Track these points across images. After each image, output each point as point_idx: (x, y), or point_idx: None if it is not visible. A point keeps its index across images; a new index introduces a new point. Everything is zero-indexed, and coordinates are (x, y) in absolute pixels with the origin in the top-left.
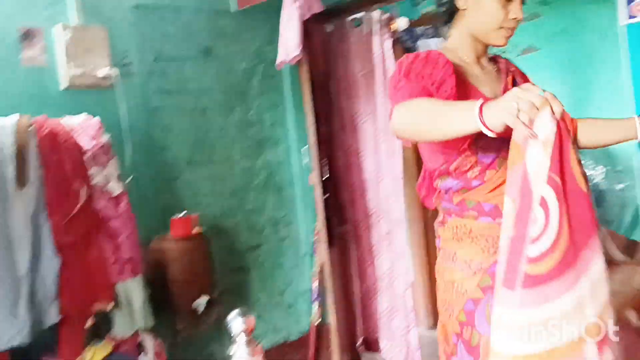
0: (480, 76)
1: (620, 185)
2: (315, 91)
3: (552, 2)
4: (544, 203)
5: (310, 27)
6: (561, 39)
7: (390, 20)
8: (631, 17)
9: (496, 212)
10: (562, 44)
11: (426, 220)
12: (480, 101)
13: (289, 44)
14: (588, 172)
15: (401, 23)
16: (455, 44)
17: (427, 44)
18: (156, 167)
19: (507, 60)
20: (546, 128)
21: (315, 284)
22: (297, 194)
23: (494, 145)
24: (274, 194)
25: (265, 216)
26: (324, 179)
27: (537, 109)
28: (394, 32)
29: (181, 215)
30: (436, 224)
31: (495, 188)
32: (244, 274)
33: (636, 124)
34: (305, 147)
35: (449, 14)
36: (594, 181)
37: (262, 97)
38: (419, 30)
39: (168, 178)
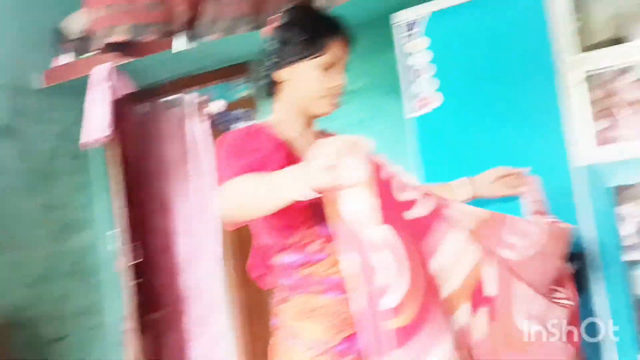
0: (307, 149)
1: None
2: (128, 172)
3: (357, 92)
4: (383, 246)
5: (123, 107)
6: (359, 128)
7: (205, 102)
8: (416, 110)
9: (342, 287)
10: (360, 132)
11: (249, 302)
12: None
13: (95, 124)
14: None
15: (216, 106)
16: (279, 118)
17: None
18: None
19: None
20: (356, 171)
21: None
22: (106, 279)
23: None
24: (81, 280)
25: (71, 305)
26: (135, 262)
27: (342, 155)
28: (210, 115)
29: None
30: (275, 302)
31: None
32: None
33: (467, 185)
34: (112, 231)
35: (269, 88)
36: None
37: (67, 179)
38: (235, 113)
39: None
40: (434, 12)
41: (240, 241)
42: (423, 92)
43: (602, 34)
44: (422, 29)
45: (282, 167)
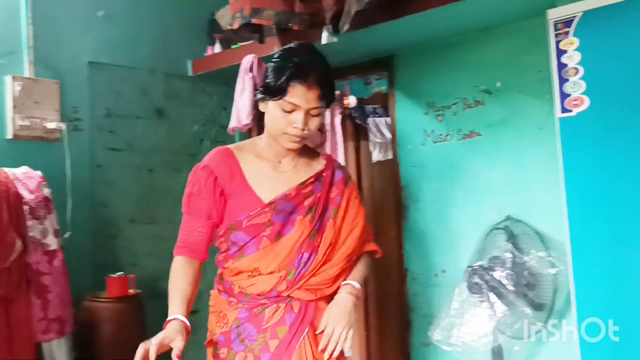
0: (266, 175)
1: (553, 270)
2: None
3: (495, 92)
4: None
5: None
6: (501, 127)
7: (341, 97)
8: (565, 110)
9: (229, 291)
10: (502, 131)
11: (383, 294)
12: (170, 317)
13: (241, 111)
14: (523, 258)
15: (352, 101)
16: (262, 141)
17: (376, 122)
18: (96, 223)
19: (331, 163)
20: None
21: None
22: None
23: (243, 237)
24: (211, 260)
25: (204, 281)
26: None
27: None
28: (345, 109)
29: (118, 274)
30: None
31: (238, 273)
32: None
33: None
34: None
35: (259, 114)
36: (528, 264)
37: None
38: (369, 108)
39: (108, 235)
40: (585, 12)
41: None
42: (572, 94)
43: None
44: (573, 28)
45: (219, 212)
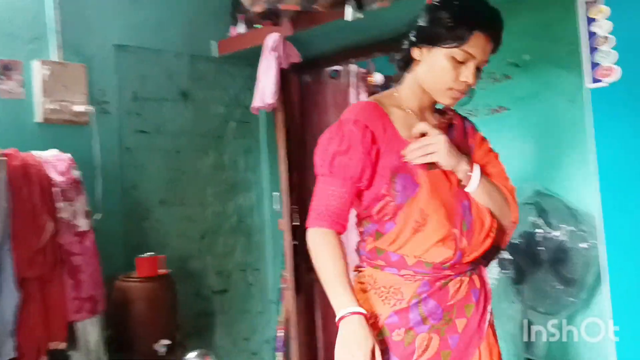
0: (413, 124)
1: (584, 245)
2: (290, 139)
3: (523, 65)
4: None
5: (288, 77)
6: (530, 101)
7: (366, 74)
8: (596, 81)
9: (399, 264)
10: (531, 105)
11: None
12: (347, 312)
13: (266, 91)
14: (553, 233)
15: (377, 78)
16: (403, 92)
17: None
18: (126, 205)
19: (456, 113)
20: None
21: (281, 333)
22: (267, 239)
23: (411, 180)
24: (244, 239)
25: (233, 261)
26: (293, 225)
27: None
28: (370, 86)
29: (148, 254)
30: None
31: (400, 232)
32: (209, 318)
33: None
34: (277, 193)
35: (403, 63)
36: (559, 239)
37: (237, 142)
38: (394, 85)
39: (138, 217)
40: None
41: None
42: (603, 63)
43: None
44: None
45: (371, 177)
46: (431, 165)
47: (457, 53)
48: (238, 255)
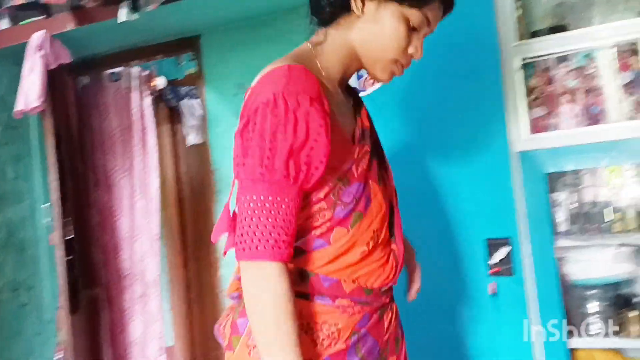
0: (340, 106)
1: None
2: (63, 145)
3: None
4: None
5: (60, 78)
6: None
7: (150, 77)
8: (361, 90)
9: (336, 291)
10: None
11: (188, 282)
12: None
13: (30, 93)
14: None
15: (160, 81)
16: (326, 56)
17: (189, 104)
18: None
19: (358, 93)
20: None
21: (60, 355)
22: (42, 254)
23: (356, 188)
24: (15, 254)
25: (3, 279)
26: (69, 237)
27: None
28: (155, 90)
29: None
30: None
31: (340, 255)
32: None
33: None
34: (47, 204)
35: (333, 13)
36: None
37: (4, 148)
38: (183, 89)
39: None
40: None
41: (180, 221)
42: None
43: (543, 23)
44: None
45: (329, 143)
46: (380, 180)
47: (416, 16)
48: (9, 273)
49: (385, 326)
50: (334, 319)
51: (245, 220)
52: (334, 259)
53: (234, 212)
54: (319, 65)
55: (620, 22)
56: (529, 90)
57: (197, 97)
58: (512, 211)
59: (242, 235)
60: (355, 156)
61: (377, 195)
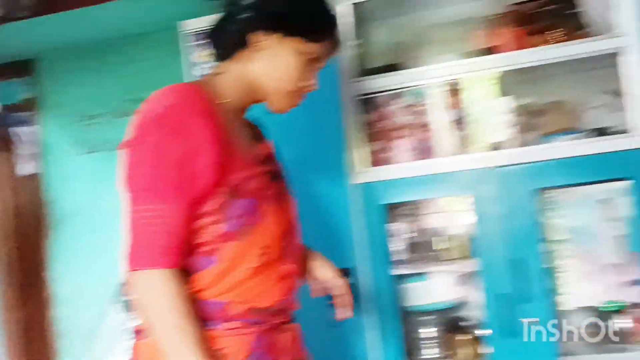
0: (238, 129)
1: None
2: None
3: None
4: None
5: None
6: None
7: None
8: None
9: (221, 315)
10: None
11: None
12: None
13: None
14: None
15: None
16: (224, 85)
17: (21, 132)
18: None
19: (262, 127)
20: None
21: None
22: None
23: (248, 202)
24: None
25: None
26: None
27: None
28: None
29: None
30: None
31: (228, 271)
32: None
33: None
34: None
35: (233, 48)
36: None
37: None
38: (15, 116)
39: None
40: None
41: (12, 257)
42: None
43: (379, 60)
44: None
45: (218, 153)
46: (279, 196)
47: (315, 50)
48: None
49: (285, 347)
50: (226, 343)
51: (135, 231)
52: (221, 277)
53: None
54: (216, 94)
55: (448, 62)
56: (367, 125)
57: (31, 124)
58: (351, 242)
59: (132, 246)
60: (249, 173)
61: (272, 215)
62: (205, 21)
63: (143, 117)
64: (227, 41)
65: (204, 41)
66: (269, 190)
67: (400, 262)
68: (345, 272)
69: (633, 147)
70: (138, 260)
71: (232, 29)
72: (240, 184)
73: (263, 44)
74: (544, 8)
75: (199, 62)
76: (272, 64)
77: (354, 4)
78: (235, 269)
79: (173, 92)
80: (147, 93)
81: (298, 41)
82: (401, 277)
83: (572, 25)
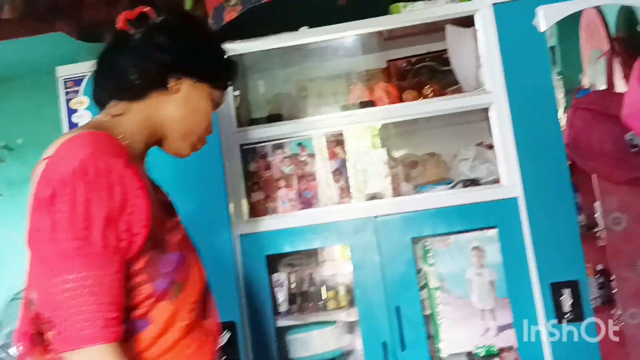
0: (145, 177)
1: None
2: None
3: (16, 149)
4: None
5: None
6: (24, 185)
7: None
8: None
9: None
10: (25, 190)
11: None
12: None
13: None
14: None
15: None
16: (126, 127)
17: None
18: None
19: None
20: None
21: None
22: None
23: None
24: None
25: None
26: None
27: None
28: None
29: None
30: None
31: (162, 333)
32: None
33: None
34: None
35: (146, 88)
36: None
37: None
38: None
39: None
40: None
41: None
42: None
43: (262, 111)
44: (83, 87)
45: (148, 208)
46: (192, 247)
47: (218, 96)
48: None
49: None
50: None
51: (62, 306)
52: (157, 339)
53: (37, 310)
54: (119, 137)
55: (329, 114)
56: (249, 175)
57: None
58: (236, 294)
59: (61, 323)
60: (169, 225)
61: (195, 266)
62: (84, 67)
63: (55, 174)
64: (137, 81)
65: (81, 87)
66: (188, 241)
67: (285, 313)
68: (230, 326)
69: (499, 197)
70: (74, 339)
71: (146, 69)
72: (164, 239)
73: (179, 87)
74: (420, 64)
75: (78, 108)
76: (185, 107)
77: (235, 55)
78: (168, 330)
79: (84, 140)
80: (24, 138)
81: (207, 87)
82: (286, 329)
83: (446, 81)
